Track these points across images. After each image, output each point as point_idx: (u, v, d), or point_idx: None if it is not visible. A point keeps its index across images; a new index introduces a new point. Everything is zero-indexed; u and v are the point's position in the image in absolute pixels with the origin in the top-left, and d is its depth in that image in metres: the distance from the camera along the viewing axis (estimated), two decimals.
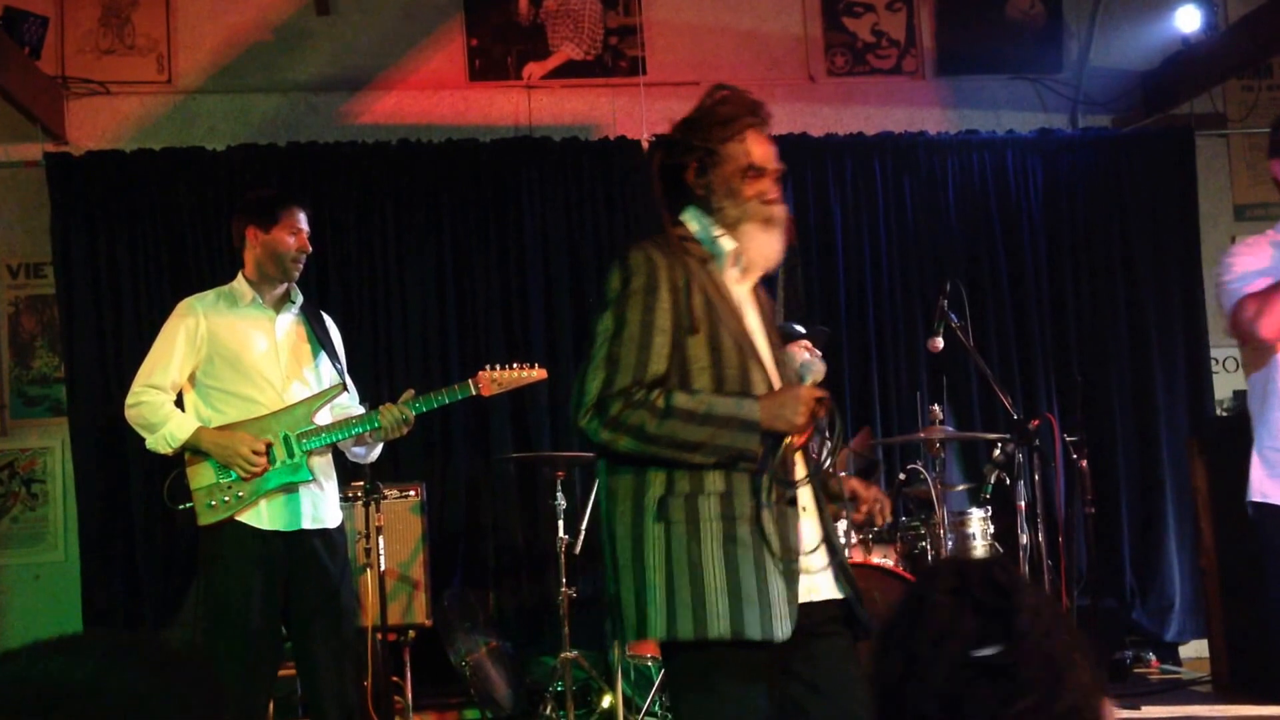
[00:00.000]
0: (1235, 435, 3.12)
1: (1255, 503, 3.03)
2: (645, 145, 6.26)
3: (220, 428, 3.81)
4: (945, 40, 6.60)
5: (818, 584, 2.45)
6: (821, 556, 2.47)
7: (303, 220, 3.96)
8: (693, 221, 2.56)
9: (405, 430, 3.92)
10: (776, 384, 2.49)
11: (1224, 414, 6.46)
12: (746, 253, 2.53)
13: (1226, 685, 5.38)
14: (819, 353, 5.27)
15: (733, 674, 2.35)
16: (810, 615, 2.40)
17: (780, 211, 2.56)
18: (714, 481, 2.39)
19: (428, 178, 6.15)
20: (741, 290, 2.57)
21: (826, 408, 2.41)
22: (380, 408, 3.92)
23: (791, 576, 2.35)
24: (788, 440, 2.41)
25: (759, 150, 2.54)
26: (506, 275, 6.15)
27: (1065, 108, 6.69)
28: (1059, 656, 1.21)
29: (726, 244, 2.52)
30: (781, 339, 5.11)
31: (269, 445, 3.81)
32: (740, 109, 2.55)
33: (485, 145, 6.18)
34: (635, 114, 6.29)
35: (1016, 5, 6.61)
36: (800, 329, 5.38)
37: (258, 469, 3.77)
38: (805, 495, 2.48)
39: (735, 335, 2.46)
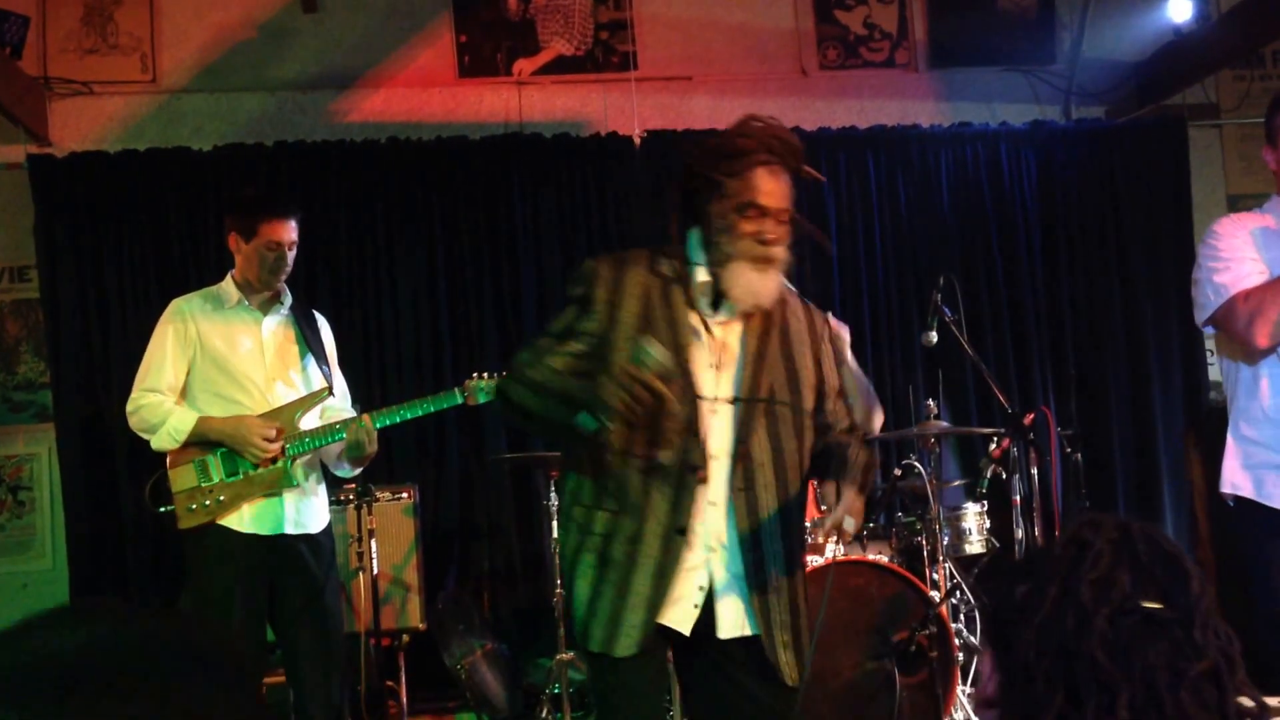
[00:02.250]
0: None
1: (1229, 495, 2.99)
2: (637, 141, 6.23)
3: (224, 418, 3.80)
4: (937, 32, 6.57)
5: (685, 616, 2.51)
6: (717, 590, 2.51)
7: (286, 230, 3.89)
8: (691, 243, 2.57)
9: (370, 450, 3.87)
10: (700, 422, 2.50)
11: (1218, 405, 6.44)
12: (731, 290, 2.51)
13: None
14: None
15: (609, 686, 2.53)
16: (707, 644, 2.51)
17: (778, 253, 2.50)
18: (609, 500, 2.50)
19: (417, 176, 6.10)
20: (709, 322, 2.55)
21: (643, 394, 2.35)
22: (351, 420, 3.88)
23: (654, 602, 2.45)
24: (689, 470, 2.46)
25: (765, 188, 2.47)
26: (498, 273, 6.11)
27: (1058, 99, 6.66)
28: (1227, 630, 1.20)
29: (700, 275, 2.54)
30: None
31: (280, 431, 3.78)
32: (755, 144, 2.49)
33: (475, 143, 6.13)
34: (627, 109, 6.25)
35: None
36: None
37: (270, 453, 3.74)
38: (714, 531, 2.52)
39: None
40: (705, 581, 2.52)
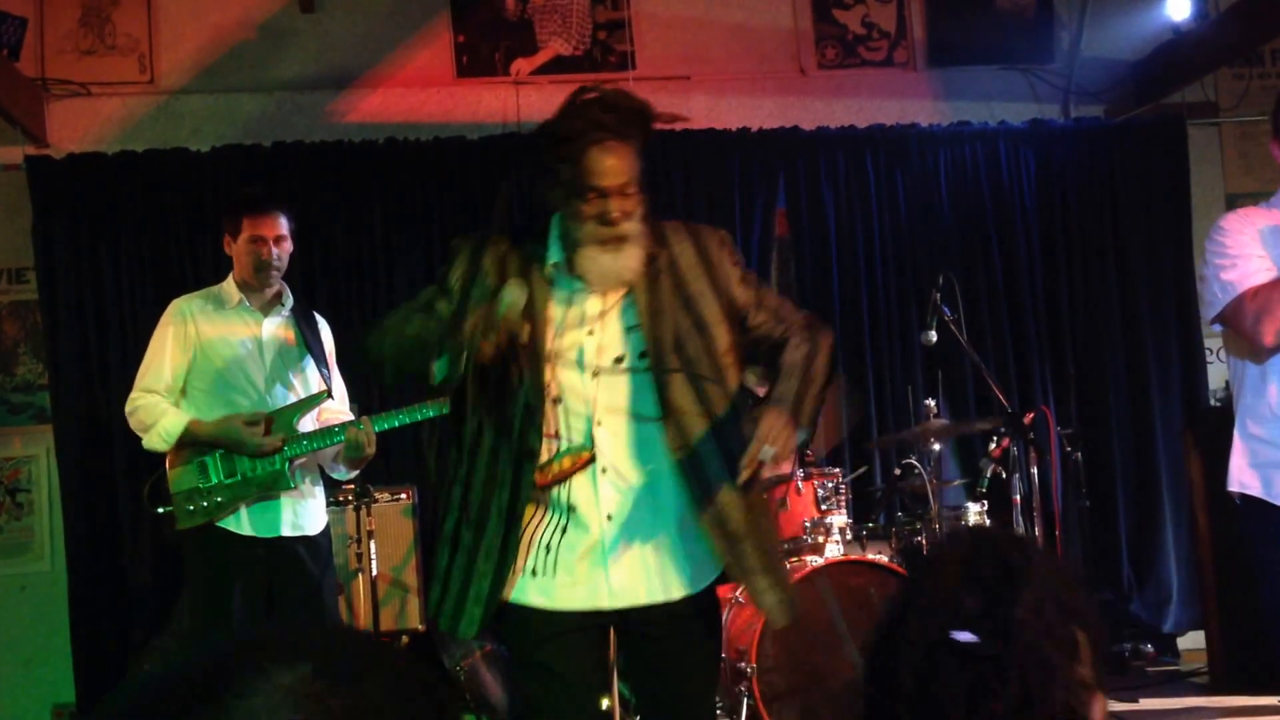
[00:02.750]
0: (1230, 426, 3.06)
1: (1235, 493, 2.97)
2: None
3: (213, 421, 3.81)
4: (936, 31, 6.56)
5: (605, 591, 2.49)
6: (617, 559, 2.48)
7: (273, 225, 3.90)
8: (552, 229, 2.54)
9: (369, 451, 3.86)
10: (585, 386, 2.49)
11: (1218, 404, 6.44)
12: (585, 275, 2.47)
13: (1224, 676, 5.36)
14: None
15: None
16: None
17: (628, 229, 2.43)
18: (461, 469, 2.53)
19: (415, 177, 6.09)
20: (590, 300, 2.51)
21: (488, 327, 2.32)
22: (349, 424, 3.88)
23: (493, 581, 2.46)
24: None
25: (599, 168, 2.38)
26: None
27: (1057, 98, 6.65)
28: (1054, 656, 1.14)
29: (553, 254, 2.51)
30: None
31: (267, 420, 3.77)
32: (581, 124, 2.40)
33: (473, 143, 6.12)
34: None
35: None
36: None
37: (269, 447, 3.74)
38: (585, 494, 2.49)
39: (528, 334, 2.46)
40: (602, 555, 2.48)
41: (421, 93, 6.25)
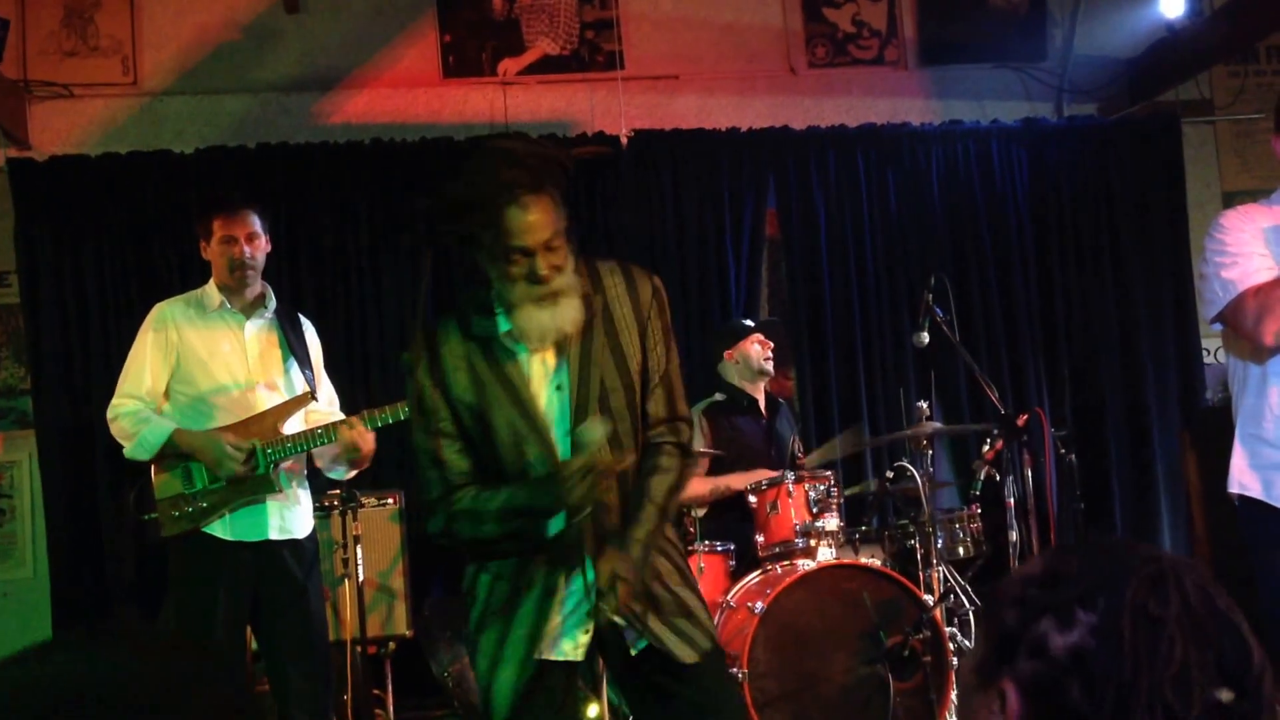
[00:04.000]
0: (1227, 427, 3.02)
1: (1235, 494, 2.93)
2: (624, 141, 6.17)
3: (198, 433, 3.78)
4: (927, 30, 6.51)
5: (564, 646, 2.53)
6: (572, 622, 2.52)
7: (244, 224, 3.90)
8: (494, 290, 2.49)
9: (366, 450, 3.86)
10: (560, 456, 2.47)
11: (1215, 405, 6.39)
12: (526, 333, 2.44)
13: None
14: (770, 345, 5.20)
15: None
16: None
17: (560, 284, 2.39)
18: (492, 564, 2.56)
19: (402, 177, 6.04)
20: (543, 357, 2.49)
21: (600, 476, 2.36)
22: (342, 424, 3.85)
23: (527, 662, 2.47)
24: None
25: (518, 227, 2.34)
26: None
27: (1050, 96, 6.61)
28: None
29: (502, 324, 2.46)
30: (734, 334, 5.02)
31: (252, 450, 3.75)
32: (491, 188, 2.35)
33: (460, 144, 6.07)
34: (614, 109, 6.19)
35: None
36: (750, 323, 5.31)
37: (242, 474, 3.72)
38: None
39: (508, 417, 2.45)
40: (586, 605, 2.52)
41: (408, 93, 6.20)
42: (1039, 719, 1.08)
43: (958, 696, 4.41)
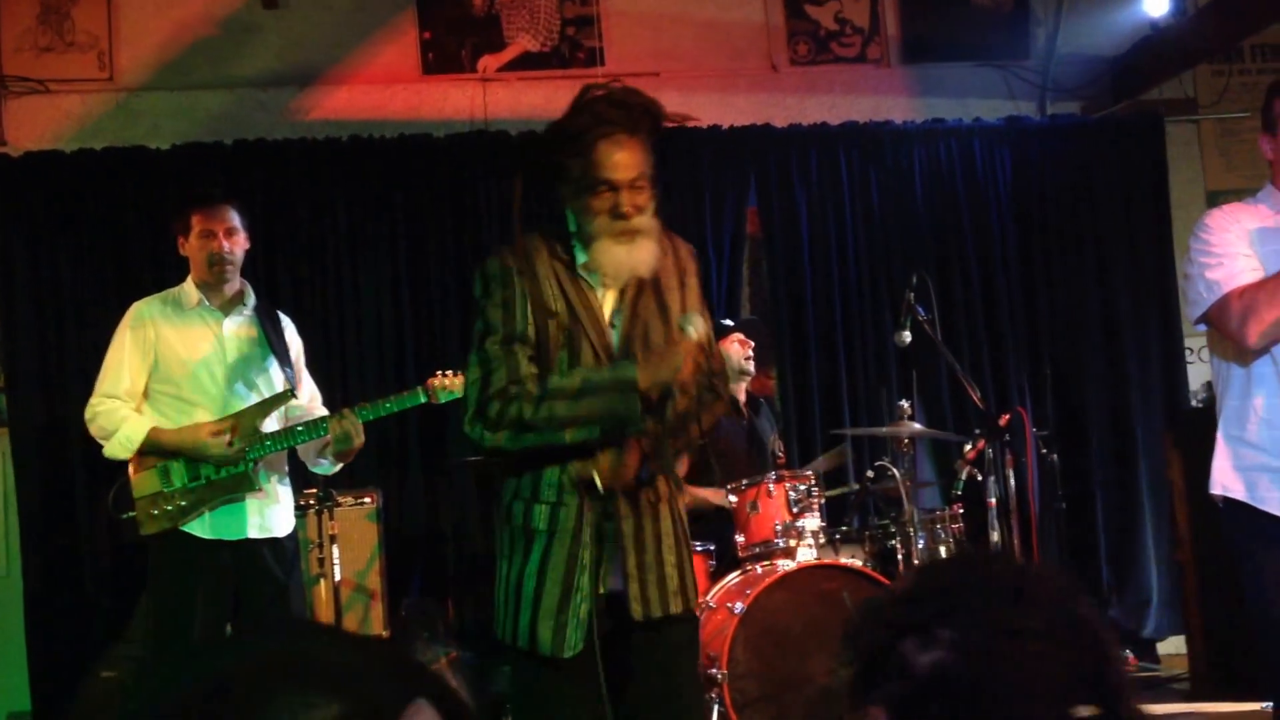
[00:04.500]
0: (1210, 427, 3.00)
1: (1219, 496, 2.91)
2: None
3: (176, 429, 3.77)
4: (910, 27, 6.49)
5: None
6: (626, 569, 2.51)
7: (222, 218, 3.88)
8: (570, 225, 2.56)
9: (358, 441, 3.83)
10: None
11: (1199, 405, 6.37)
12: (601, 268, 2.50)
13: (1205, 682, 5.27)
14: (750, 344, 5.17)
15: (537, 686, 2.52)
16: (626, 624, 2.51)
17: (641, 223, 2.46)
18: (548, 492, 2.47)
19: (381, 174, 6.01)
20: (609, 296, 2.57)
21: (702, 363, 2.43)
22: (332, 416, 3.85)
23: (594, 596, 2.46)
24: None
25: (609, 161, 2.42)
26: (464, 273, 6.00)
27: (1033, 95, 6.58)
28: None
29: (579, 256, 2.53)
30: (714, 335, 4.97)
31: (234, 427, 3.73)
32: (589, 119, 2.44)
33: (440, 140, 6.04)
34: None
35: None
36: (730, 323, 5.28)
37: (232, 456, 3.70)
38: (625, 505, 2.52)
39: (593, 343, 2.49)
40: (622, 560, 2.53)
41: (387, 90, 6.16)
42: None
43: None
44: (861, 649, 1.10)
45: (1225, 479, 2.89)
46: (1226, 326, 2.83)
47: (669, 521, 2.57)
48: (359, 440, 3.84)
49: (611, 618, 2.52)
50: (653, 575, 2.52)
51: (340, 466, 4.05)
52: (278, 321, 4.03)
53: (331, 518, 4.80)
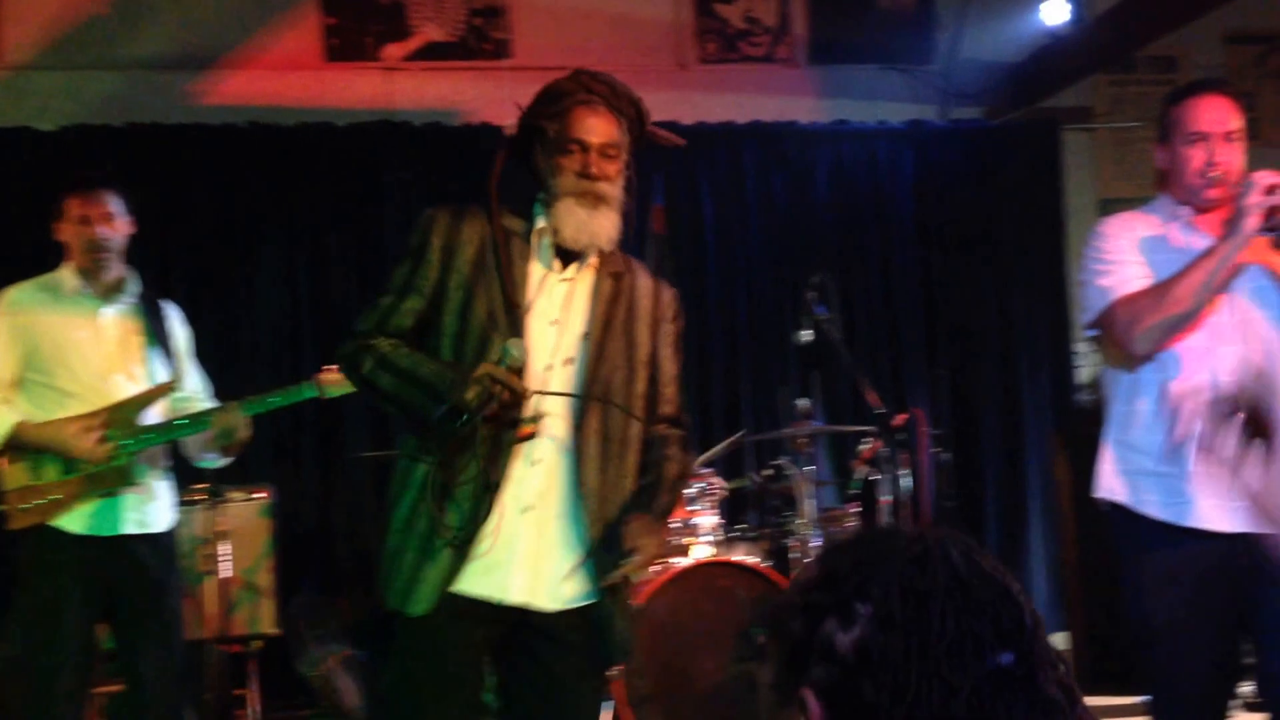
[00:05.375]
0: (1097, 428, 3.07)
1: (1103, 499, 2.97)
2: (510, 132, 6.08)
3: (42, 424, 3.62)
4: (818, 29, 6.53)
5: (513, 585, 2.45)
6: (523, 560, 2.45)
7: (100, 203, 3.76)
8: (538, 201, 2.57)
9: (242, 435, 3.75)
10: (537, 378, 2.48)
11: (1087, 406, 6.52)
12: (561, 229, 2.48)
13: (1086, 677, 5.40)
14: None
15: (403, 645, 2.48)
16: (510, 619, 2.46)
17: (605, 189, 2.49)
18: (431, 449, 2.46)
19: (280, 163, 5.91)
20: (560, 277, 2.53)
21: (501, 393, 2.36)
22: (216, 410, 3.75)
23: (452, 559, 2.39)
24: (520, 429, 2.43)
25: (584, 124, 2.49)
26: (365, 265, 5.93)
27: (936, 99, 6.66)
28: (1060, 663, 1.11)
29: (539, 222, 2.53)
30: None
31: (106, 422, 3.61)
32: (573, 85, 2.52)
33: (342, 130, 5.96)
34: (501, 99, 6.05)
35: None
36: None
37: (101, 452, 3.58)
38: (535, 490, 2.47)
39: (491, 305, 2.44)
40: (519, 546, 2.46)
41: (287, 76, 6.04)
42: None
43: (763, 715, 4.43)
44: (783, 638, 1.12)
45: (1110, 482, 2.95)
46: (1114, 332, 2.89)
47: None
48: (244, 434, 3.74)
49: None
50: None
51: (227, 461, 3.95)
52: (161, 311, 3.92)
53: (221, 513, 4.70)
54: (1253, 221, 2.74)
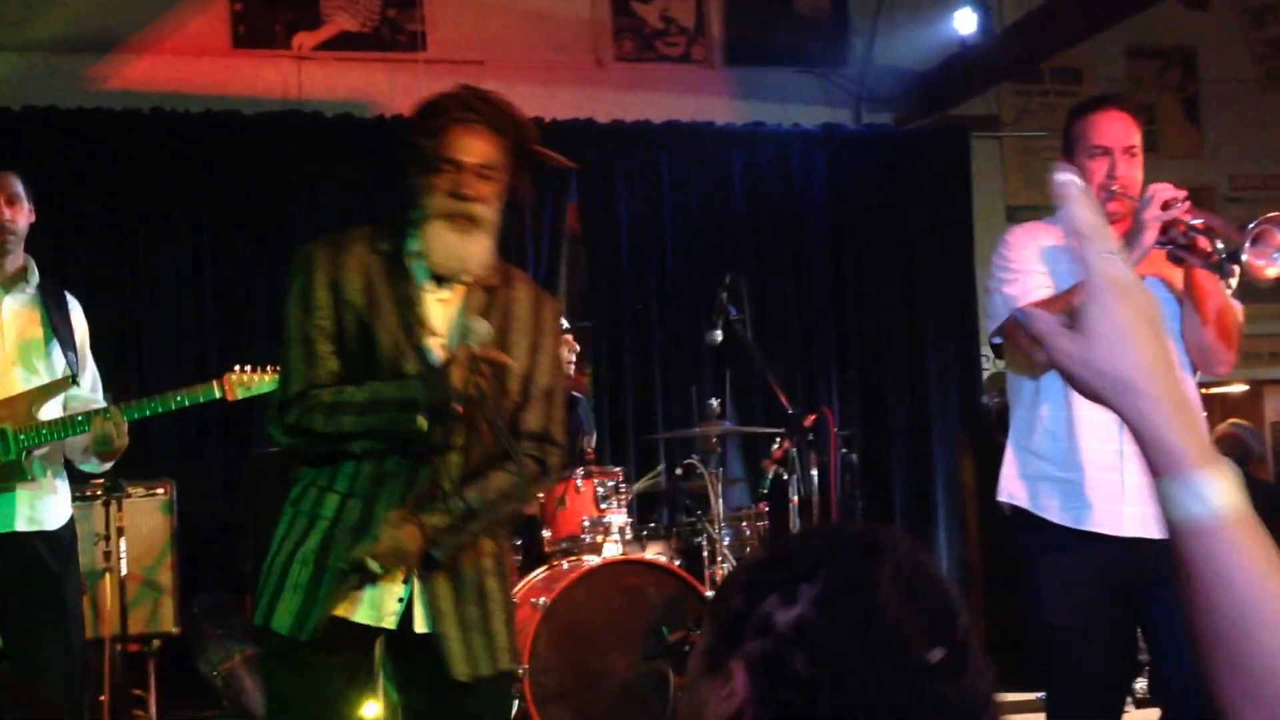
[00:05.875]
0: (1001, 431, 3.13)
1: (1005, 503, 3.03)
2: None
3: None
4: (734, 30, 6.57)
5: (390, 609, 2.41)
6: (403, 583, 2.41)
7: (2, 186, 3.62)
8: (412, 216, 2.48)
9: (119, 444, 3.59)
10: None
11: (992, 409, 6.65)
12: (430, 255, 2.41)
13: None
14: (576, 348, 5.17)
15: (289, 667, 2.42)
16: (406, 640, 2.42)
17: (479, 211, 2.38)
18: (342, 483, 2.39)
19: (185, 150, 5.76)
20: (439, 295, 2.46)
21: (485, 371, 2.33)
22: (99, 412, 3.62)
23: (343, 584, 2.35)
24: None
25: (459, 144, 2.38)
26: (271, 259, 5.81)
27: (849, 104, 6.75)
28: (988, 672, 1.12)
29: (412, 244, 2.43)
30: None
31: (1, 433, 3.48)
32: (451, 103, 2.41)
33: (250, 118, 5.84)
34: (415, 92, 5.89)
35: None
36: (564, 324, 5.27)
37: None
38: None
39: (393, 328, 2.40)
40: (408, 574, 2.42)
41: (194, 62, 5.91)
42: (765, 696, 1.08)
43: (685, 685, 4.45)
44: (723, 613, 1.12)
45: (1012, 486, 3.01)
46: (1017, 341, 2.96)
47: (494, 579, 2.48)
48: (121, 443, 3.58)
49: (425, 668, 2.42)
50: (477, 632, 2.42)
51: (107, 467, 3.82)
52: (64, 302, 3.79)
53: (120, 509, 4.58)
54: (1149, 235, 2.81)
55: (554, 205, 6.17)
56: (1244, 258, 2.77)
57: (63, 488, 3.73)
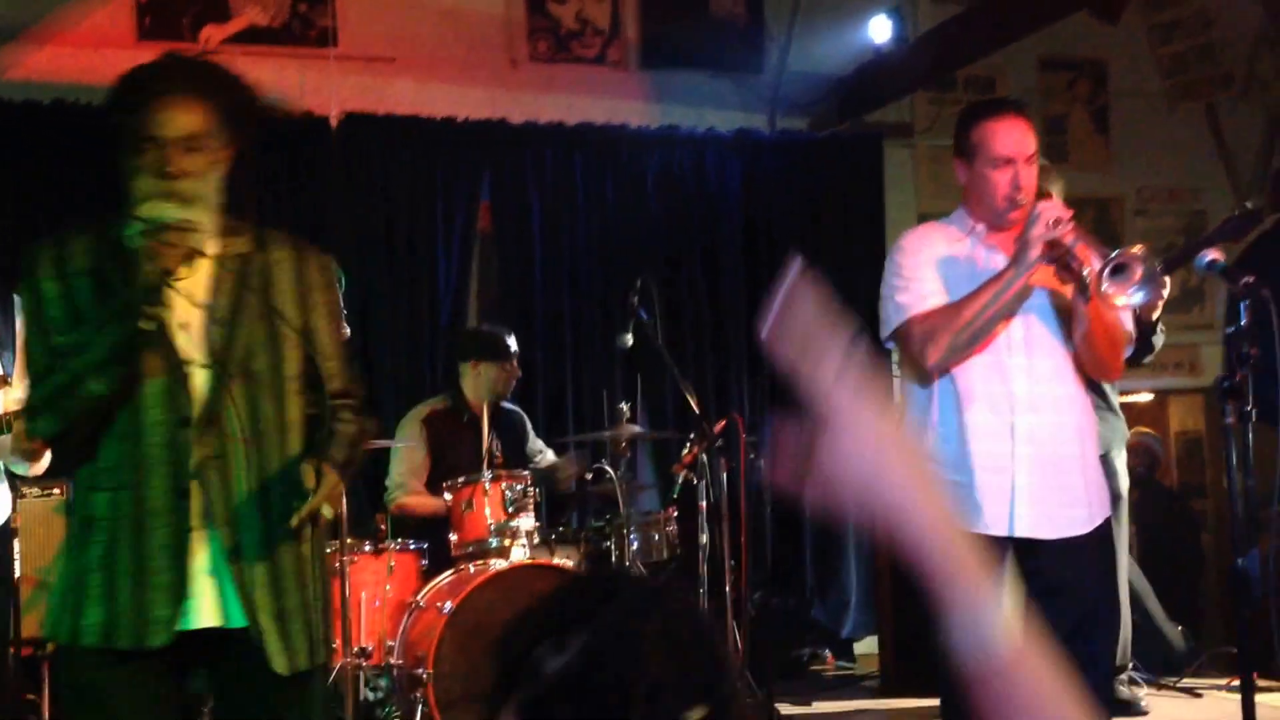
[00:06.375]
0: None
1: None
2: (334, 123, 5.93)
3: None
4: (649, 32, 6.56)
5: (199, 607, 2.32)
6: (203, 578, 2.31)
7: None
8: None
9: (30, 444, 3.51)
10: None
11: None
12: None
13: (893, 680, 5.56)
14: (517, 375, 5.14)
15: (80, 678, 2.32)
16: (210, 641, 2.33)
17: (186, 187, 2.26)
18: (106, 477, 2.30)
19: (87, 144, 5.59)
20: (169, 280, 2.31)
21: (174, 240, 2.23)
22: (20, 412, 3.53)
23: (142, 588, 2.26)
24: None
25: (159, 118, 2.26)
26: None
27: (764, 109, 6.77)
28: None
29: (133, 229, 2.28)
30: (494, 353, 4.85)
31: None
32: (147, 76, 2.32)
33: None
34: (325, 88, 5.93)
35: (720, 3, 6.64)
36: (514, 347, 5.22)
37: None
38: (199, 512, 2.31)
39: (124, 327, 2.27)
40: (198, 568, 2.31)
41: (97, 53, 5.73)
42: None
43: None
44: (501, 657, 1.13)
45: None
46: (909, 348, 3.00)
47: (312, 568, 2.41)
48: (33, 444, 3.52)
49: (238, 661, 2.33)
50: (296, 623, 2.34)
51: (38, 469, 3.71)
52: (9, 303, 3.71)
53: (14, 509, 4.44)
54: (1034, 252, 2.88)
55: (465, 205, 6.12)
56: (1104, 287, 2.85)
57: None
